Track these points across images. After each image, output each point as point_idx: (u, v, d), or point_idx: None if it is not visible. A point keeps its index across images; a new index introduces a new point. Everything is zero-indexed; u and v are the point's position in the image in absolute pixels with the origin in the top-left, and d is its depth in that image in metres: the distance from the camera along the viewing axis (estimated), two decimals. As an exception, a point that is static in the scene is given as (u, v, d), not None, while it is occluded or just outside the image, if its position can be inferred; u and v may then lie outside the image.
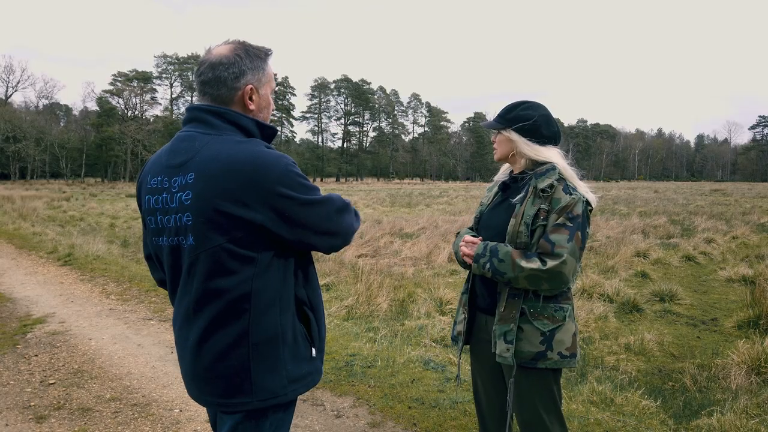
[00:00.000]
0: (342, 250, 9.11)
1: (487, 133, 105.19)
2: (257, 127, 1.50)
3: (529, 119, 2.03)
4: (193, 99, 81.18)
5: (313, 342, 1.53)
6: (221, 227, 1.37)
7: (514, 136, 2.04)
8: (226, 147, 1.40)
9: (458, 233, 2.30)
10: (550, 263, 1.86)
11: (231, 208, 1.35)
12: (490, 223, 2.12)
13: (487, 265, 1.96)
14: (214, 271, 1.40)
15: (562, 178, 1.98)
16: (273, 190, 1.36)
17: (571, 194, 1.94)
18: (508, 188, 2.13)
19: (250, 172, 1.35)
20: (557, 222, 1.91)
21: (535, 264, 1.87)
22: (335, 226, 1.51)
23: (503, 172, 2.24)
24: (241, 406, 1.45)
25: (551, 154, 2.02)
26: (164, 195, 1.45)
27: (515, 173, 2.13)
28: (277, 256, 1.44)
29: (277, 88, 1.71)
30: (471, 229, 2.27)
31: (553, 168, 1.99)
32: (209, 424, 3.25)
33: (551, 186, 1.95)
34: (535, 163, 2.05)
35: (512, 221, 1.99)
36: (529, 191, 2.00)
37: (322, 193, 1.51)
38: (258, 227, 1.38)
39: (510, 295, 1.98)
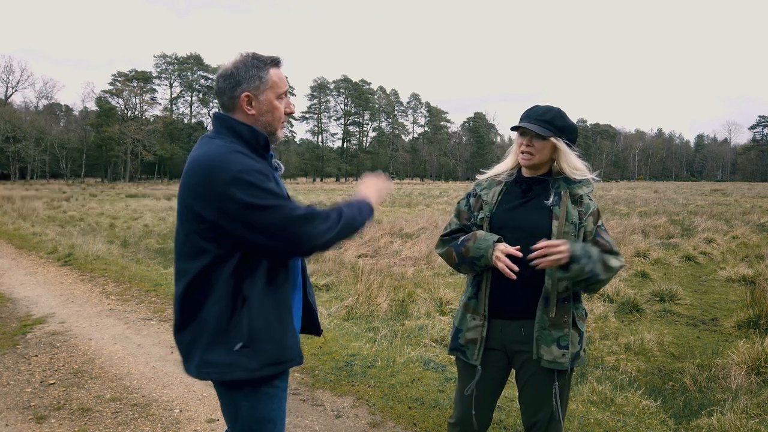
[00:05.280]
0: (343, 249, 9.02)
1: (487, 133, 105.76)
2: (251, 134, 1.67)
3: (575, 130, 2.06)
4: (193, 98, 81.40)
5: (240, 336, 1.62)
6: (187, 218, 1.62)
7: (563, 146, 2.02)
8: (204, 149, 1.61)
9: (453, 233, 2.15)
10: (622, 258, 2.03)
11: (191, 203, 1.58)
12: (517, 223, 2.02)
13: (587, 268, 1.86)
14: (182, 253, 1.67)
15: None
16: (222, 191, 1.51)
17: (592, 200, 2.07)
18: (531, 189, 2.07)
19: (207, 174, 1.54)
20: (599, 224, 2.06)
21: (619, 263, 1.99)
22: (285, 234, 1.56)
23: (506, 173, 2.14)
24: (194, 371, 1.66)
25: (582, 165, 2.07)
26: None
27: (533, 176, 2.08)
28: (229, 251, 1.60)
29: (285, 90, 1.81)
30: (462, 229, 2.15)
31: (589, 182, 2.07)
32: (209, 423, 3.26)
33: (585, 193, 2.06)
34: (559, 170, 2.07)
35: (555, 222, 1.97)
36: (561, 195, 2.01)
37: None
38: (211, 222, 1.56)
39: (560, 299, 1.96)
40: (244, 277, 1.61)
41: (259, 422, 1.70)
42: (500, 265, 1.91)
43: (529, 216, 2.02)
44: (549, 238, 1.96)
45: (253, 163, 1.56)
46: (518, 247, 1.93)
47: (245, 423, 1.70)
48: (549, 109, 2.03)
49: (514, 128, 2.06)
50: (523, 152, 2.04)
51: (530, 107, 2.08)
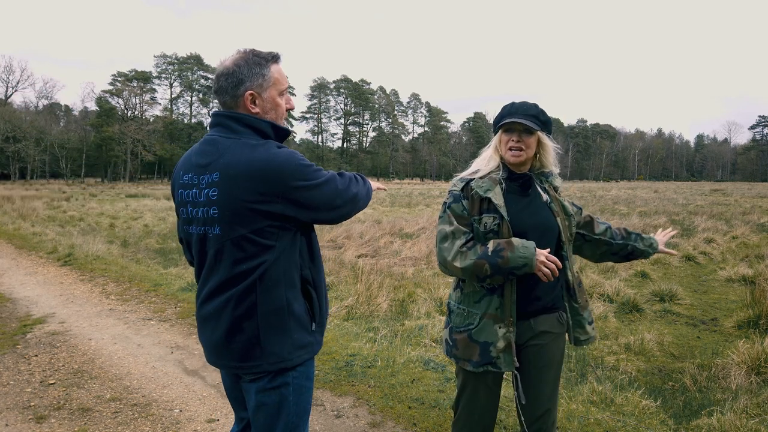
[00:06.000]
0: (343, 249, 9.01)
1: (487, 133, 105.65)
2: (272, 129, 1.69)
3: (551, 124, 2.11)
4: (193, 99, 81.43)
5: (314, 317, 1.74)
6: (245, 220, 1.59)
7: (546, 140, 2.06)
8: (244, 151, 1.61)
9: (465, 245, 1.96)
10: None
11: (254, 204, 1.57)
12: (534, 223, 2.02)
13: None
14: (236, 258, 1.62)
15: None
16: (290, 184, 1.58)
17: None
18: (530, 187, 2.09)
19: (270, 172, 1.57)
20: (572, 202, 2.24)
21: None
22: (344, 197, 1.75)
23: (495, 170, 2.08)
24: (255, 368, 1.67)
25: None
26: (194, 190, 1.68)
27: (521, 172, 2.09)
28: (290, 241, 1.66)
29: (287, 86, 1.80)
30: (472, 236, 1.99)
31: (557, 175, 2.19)
32: (209, 423, 3.25)
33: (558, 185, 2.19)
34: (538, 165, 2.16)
35: (558, 219, 2.06)
36: (548, 190, 2.12)
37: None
38: (278, 216, 1.60)
39: (577, 284, 2.15)
40: (306, 262, 1.72)
41: (299, 414, 1.76)
42: (546, 271, 1.88)
43: (538, 215, 2.05)
44: (559, 234, 2.06)
45: (296, 151, 1.66)
46: (549, 249, 1.97)
47: (291, 417, 1.74)
48: (531, 105, 2.06)
49: (503, 124, 2.02)
50: (512, 149, 2.02)
51: (509, 104, 2.07)
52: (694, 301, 6.61)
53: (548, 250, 1.94)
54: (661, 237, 2.41)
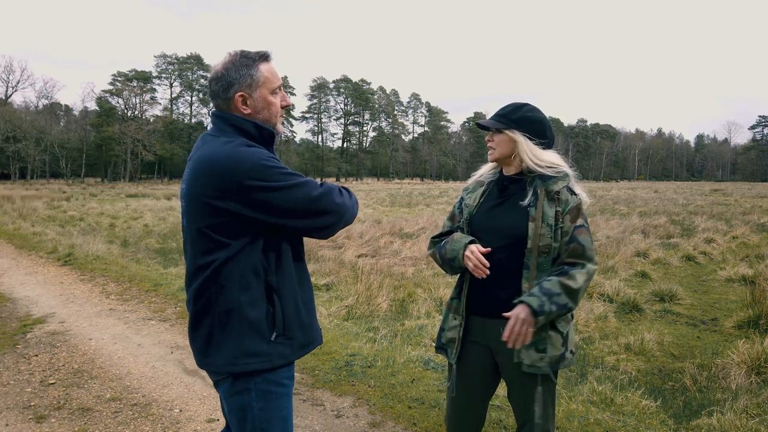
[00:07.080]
0: (343, 249, 8.96)
1: (486, 132, 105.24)
2: (255, 129, 1.69)
3: (537, 121, 2.02)
4: (193, 98, 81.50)
5: (275, 327, 1.65)
6: (202, 214, 1.61)
7: (519, 137, 1.99)
8: (212, 147, 1.63)
9: (438, 238, 2.19)
10: (590, 266, 1.91)
11: (209, 199, 1.58)
12: (493, 225, 2.02)
13: (553, 308, 1.82)
14: (197, 251, 1.65)
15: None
16: (243, 182, 1.54)
17: (574, 194, 1.97)
18: (507, 189, 2.06)
19: (224, 168, 1.56)
20: (578, 224, 1.93)
21: (583, 277, 1.88)
22: (320, 206, 1.64)
23: (488, 173, 2.17)
24: (209, 366, 1.68)
25: (553, 158, 2.01)
26: (181, 184, 1.74)
27: (508, 174, 2.08)
28: (250, 243, 1.62)
29: (279, 84, 1.76)
30: (447, 232, 2.18)
31: (566, 175, 2.00)
32: (209, 423, 3.26)
33: (561, 188, 1.97)
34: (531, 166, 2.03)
35: (531, 224, 1.93)
36: (538, 194, 1.96)
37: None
38: (234, 215, 1.58)
39: None
40: (272, 268, 1.65)
41: (269, 421, 1.68)
42: (470, 265, 1.94)
43: (505, 217, 2.01)
44: (525, 240, 1.93)
45: (265, 151, 1.64)
46: (489, 249, 1.94)
47: (259, 423, 1.67)
48: (508, 105, 2.07)
49: (477, 125, 2.12)
50: (488, 148, 2.10)
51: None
52: (694, 301, 6.61)
53: (488, 249, 1.95)
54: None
